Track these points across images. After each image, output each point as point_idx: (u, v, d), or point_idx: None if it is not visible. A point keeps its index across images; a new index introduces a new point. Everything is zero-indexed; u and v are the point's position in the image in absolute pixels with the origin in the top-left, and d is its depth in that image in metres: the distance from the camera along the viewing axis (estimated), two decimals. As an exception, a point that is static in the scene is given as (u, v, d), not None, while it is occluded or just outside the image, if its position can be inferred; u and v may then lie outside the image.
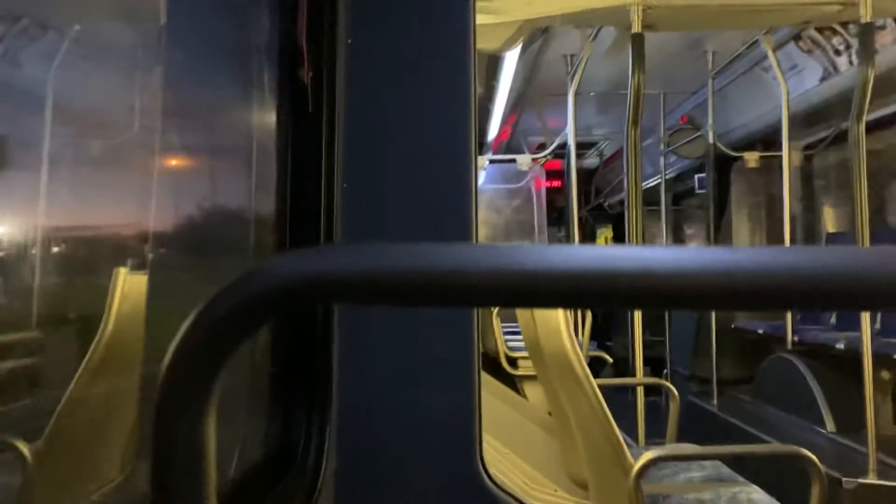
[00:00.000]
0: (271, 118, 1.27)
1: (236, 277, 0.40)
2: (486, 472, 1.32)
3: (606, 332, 8.62)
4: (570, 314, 1.61)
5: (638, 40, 3.42)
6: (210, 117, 1.27)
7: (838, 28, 4.51)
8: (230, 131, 1.30)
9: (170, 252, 1.22)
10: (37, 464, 1.02)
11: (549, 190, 8.26)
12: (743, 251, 0.40)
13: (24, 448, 1.01)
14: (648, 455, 1.54)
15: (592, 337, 5.08)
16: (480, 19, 3.21)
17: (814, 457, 1.52)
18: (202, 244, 1.28)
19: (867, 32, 3.41)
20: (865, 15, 3.34)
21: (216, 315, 0.40)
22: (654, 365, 6.42)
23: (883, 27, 4.14)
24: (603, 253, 0.39)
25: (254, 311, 0.40)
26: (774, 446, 3.11)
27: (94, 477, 1.20)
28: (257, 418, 1.27)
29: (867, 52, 3.42)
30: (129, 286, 1.18)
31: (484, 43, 3.37)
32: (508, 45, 3.52)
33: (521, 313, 2.03)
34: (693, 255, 0.39)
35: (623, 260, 0.39)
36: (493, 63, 5.26)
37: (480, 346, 1.33)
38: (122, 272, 1.18)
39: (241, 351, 1.24)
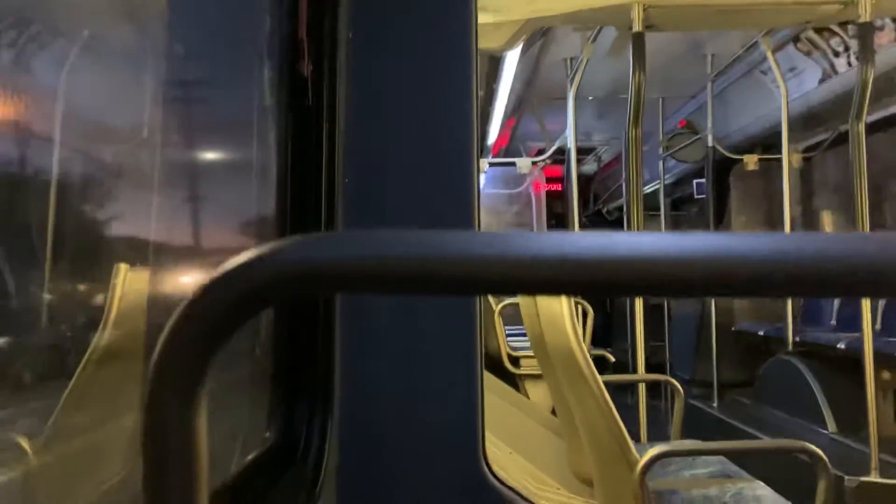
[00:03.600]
0: (272, 112, 1.27)
1: (227, 264, 0.39)
2: (489, 468, 1.31)
3: (606, 338, 8.61)
4: (573, 309, 1.60)
5: (639, 40, 3.42)
6: (211, 112, 1.27)
7: (836, 29, 4.51)
8: (231, 126, 1.30)
9: (171, 248, 1.21)
10: (38, 461, 1.02)
11: (547, 195, 8.27)
12: (746, 237, 0.39)
13: (25, 445, 1.00)
14: (654, 450, 1.54)
15: (591, 342, 5.08)
16: (482, 18, 3.21)
17: (820, 451, 1.52)
18: (203, 241, 1.28)
19: (866, 32, 3.42)
20: (864, 14, 3.35)
21: (207, 304, 0.39)
22: (654, 369, 6.40)
23: (881, 27, 4.15)
24: (608, 239, 0.39)
25: (246, 299, 0.39)
26: (780, 442, 3.10)
27: (96, 473, 1.19)
28: (259, 413, 1.27)
29: (866, 52, 3.42)
30: (130, 282, 1.17)
31: (485, 42, 3.37)
32: (510, 44, 3.52)
33: (526, 309, 2.02)
34: (698, 240, 0.39)
35: (628, 246, 0.39)
36: (493, 66, 5.27)
37: (483, 341, 1.32)
38: (123, 268, 1.17)
39: (242, 345, 1.22)
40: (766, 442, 3.07)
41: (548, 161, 6.84)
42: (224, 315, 0.39)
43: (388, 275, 0.40)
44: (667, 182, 7.32)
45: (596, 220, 11.27)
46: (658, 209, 7.25)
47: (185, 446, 0.39)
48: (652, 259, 0.38)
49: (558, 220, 9.21)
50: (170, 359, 0.39)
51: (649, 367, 5.19)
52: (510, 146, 8.73)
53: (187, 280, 1.25)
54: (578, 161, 7.23)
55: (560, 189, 8.75)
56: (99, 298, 1.16)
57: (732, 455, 2.19)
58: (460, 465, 1.29)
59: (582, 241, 0.39)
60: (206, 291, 0.39)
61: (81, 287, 1.20)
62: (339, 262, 0.39)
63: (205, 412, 0.40)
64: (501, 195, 7.93)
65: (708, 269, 0.39)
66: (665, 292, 0.41)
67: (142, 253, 1.18)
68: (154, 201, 1.17)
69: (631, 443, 1.53)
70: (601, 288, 0.41)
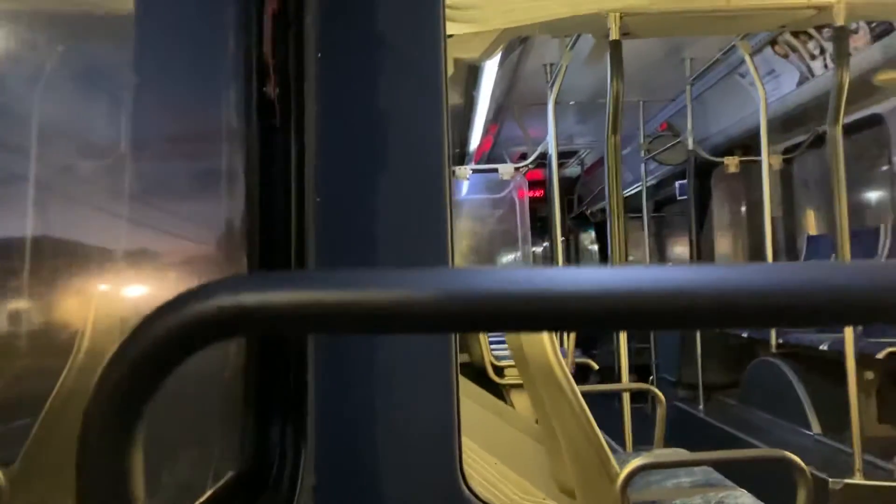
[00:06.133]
0: (239, 134, 1.26)
1: (160, 306, 0.39)
2: (467, 484, 1.30)
3: (592, 341, 8.63)
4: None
5: (616, 47, 3.44)
6: (176, 135, 1.26)
7: (813, 32, 4.55)
8: (198, 148, 1.29)
9: (141, 270, 1.20)
10: (12, 486, 1.01)
11: (531, 200, 8.29)
12: (728, 269, 0.39)
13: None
14: (634, 463, 1.54)
15: (577, 345, 5.11)
16: (459, 28, 3.22)
17: (799, 460, 1.52)
18: (171, 263, 1.27)
19: (841, 36, 3.44)
20: (839, 19, 3.37)
21: (143, 342, 0.38)
22: (640, 372, 6.44)
23: (856, 31, 4.18)
24: (572, 275, 0.38)
25: (176, 342, 0.38)
26: (761, 451, 3.11)
27: (71, 499, 1.17)
28: (230, 436, 1.25)
29: (842, 55, 3.45)
30: (105, 302, 1.16)
31: (463, 52, 3.38)
32: (487, 54, 3.52)
33: (502, 323, 2.02)
34: (672, 274, 0.38)
35: (594, 282, 0.38)
36: (473, 73, 5.27)
37: (458, 355, 1.31)
38: (98, 288, 1.16)
39: (211, 367, 1.20)
40: (745, 451, 3.08)
41: (530, 166, 6.85)
42: (160, 354, 0.38)
43: (342, 315, 0.39)
44: (649, 184, 7.35)
45: (580, 222, 11.31)
46: (641, 211, 7.28)
47: (120, 489, 0.38)
48: (621, 295, 0.38)
49: (542, 223, 9.23)
50: (104, 398, 0.38)
51: (635, 370, 5.21)
52: (493, 151, 8.74)
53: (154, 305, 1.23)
54: (561, 164, 7.24)
55: (543, 193, 8.77)
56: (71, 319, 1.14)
57: (713, 464, 2.20)
58: (437, 482, 1.28)
59: (548, 278, 0.39)
60: (142, 330, 0.38)
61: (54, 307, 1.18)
62: (266, 305, 0.38)
63: (140, 451, 0.39)
64: (485, 201, 7.94)
65: (675, 303, 0.38)
66: (635, 326, 0.40)
67: (112, 277, 1.17)
68: (122, 225, 1.16)
69: (611, 455, 1.53)
70: (568, 324, 0.40)
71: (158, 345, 0.37)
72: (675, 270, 0.38)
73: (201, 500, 1.06)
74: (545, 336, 1.62)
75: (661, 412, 2.53)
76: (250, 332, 0.38)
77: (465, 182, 7.15)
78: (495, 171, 6.87)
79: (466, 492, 1.27)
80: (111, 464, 0.38)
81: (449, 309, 0.39)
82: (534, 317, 0.39)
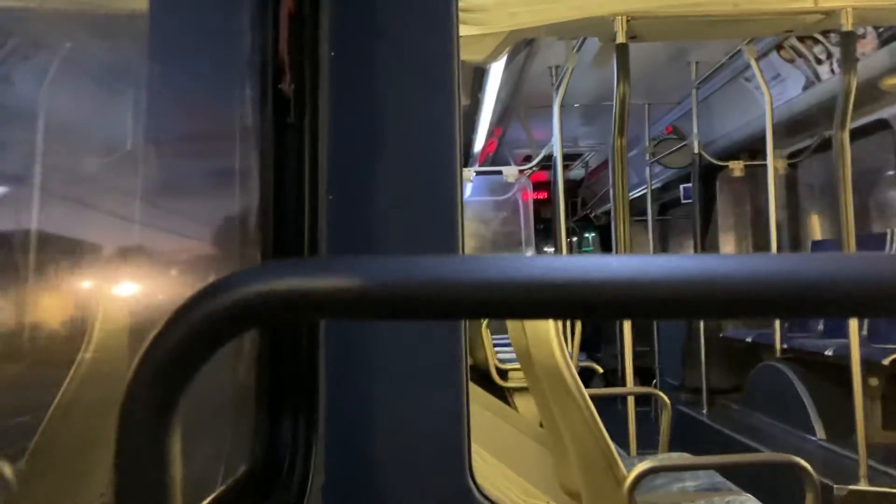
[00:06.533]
0: (254, 130, 1.26)
1: (193, 295, 0.39)
2: (476, 484, 1.30)
3: (595, 343, 8.63)
4: (559, 324, 1.60)
5: (622, 51, 3.44)
6: (192, 131, 1.26)
7: (819, 37, 4.54)
8: (213, 145, 1.29)
9: (153, 268, 1.21)
10: (20, 483, 1.00)
11: (535, 202, 8.29)
12: (734, 259, 0.39)
13: (6, 467, 0.99)
14: (642, 466, 1.53)
15: (581, 348, 5.11)
16: (466, 30, 3.22)
17: (807, 465, 1.52)
18: (184, 260, 1.27)
19: (849, 41, 3.44)
20: (847, 24, 3.37)
21: (175, 335, 0.38)
22: (642, 375, 6.43)
23: (863, 35, 4.18)
24: (591, 263, 0.38)
25: (214, 329, 0.38)
26: (768, 455, 3.11)
27: (79, 496, 1.18)
28: (242, 433, 1.26)
29: (849, 60, 3.44)
30: (112, 302, 1.16)
31: (470, 54, 3.38)
32: (494, 56, 3.52)
33: (512, 324, 2.02)
34: (683, 263, 0.38)
35: (611, 270, 0.38)
36: (478, 75, 5.27)
37: (468, 356, 1.31)
38: (107, 285, 1.16)
39: (224, 364, 1.21)
40: (753, 455, 3.08)
41: (535, 169, 6.86)
42: (196, 342, 0.38)
43: (366, 301, 0.39)
44: (654, 186, 7.35)
45: (584, 224, 11.31)
46: (645, 214, 7.28)
47: (159, 479, 0.38)
48: (631, 282, 0.38)
49: (546, 225, 9.24)
50: (142, 388, 0.38)
51: (638, 373, 5.20)
52: (497, 153, 8.75)
53: (168, 301, 1.24)
54: (566, 167, 7.23)
55: (547, 195, 8.78)
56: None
57: (720, 468, 2.19)
58: (446, 481, 1.28)
59: (562, 265, 0.39)
60: (176, 320, 0.38)
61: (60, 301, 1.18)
62: (319, 288, 0.38)
63: (178, 440, 0.39)
64: (489, 202, 7.94)
65: (686, 292, 0.38)
66: (646, 315, 0.40)
67: (123, 273, 1.17)
68: (136, 222, 1.16)
69: (619, 458, 1.53)
70: (582, 311, 0.40)
71: (194, 334, 0.37)
72: (678, 259, 0.38)
73: (214, 494, 1.07)
74: (553, 338, 1.62)
75: (666, 416, 2.52)
76: (286, 317, 0.38)
77: (469, 184, 7.15)
78: (499, 173, 6.87)
79: (475, 491, 1.27)
80: (150, 453, 0.38)
81: (475, 295, 0.39)
82: (549, 303, 0.39)
